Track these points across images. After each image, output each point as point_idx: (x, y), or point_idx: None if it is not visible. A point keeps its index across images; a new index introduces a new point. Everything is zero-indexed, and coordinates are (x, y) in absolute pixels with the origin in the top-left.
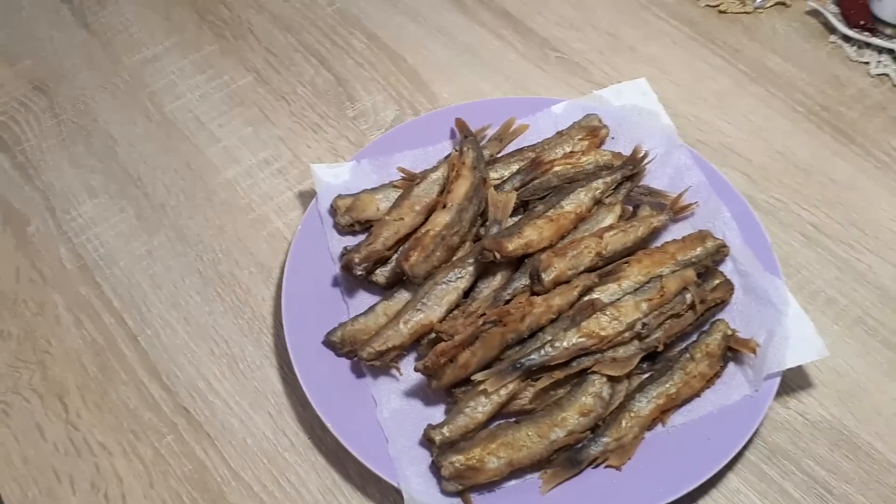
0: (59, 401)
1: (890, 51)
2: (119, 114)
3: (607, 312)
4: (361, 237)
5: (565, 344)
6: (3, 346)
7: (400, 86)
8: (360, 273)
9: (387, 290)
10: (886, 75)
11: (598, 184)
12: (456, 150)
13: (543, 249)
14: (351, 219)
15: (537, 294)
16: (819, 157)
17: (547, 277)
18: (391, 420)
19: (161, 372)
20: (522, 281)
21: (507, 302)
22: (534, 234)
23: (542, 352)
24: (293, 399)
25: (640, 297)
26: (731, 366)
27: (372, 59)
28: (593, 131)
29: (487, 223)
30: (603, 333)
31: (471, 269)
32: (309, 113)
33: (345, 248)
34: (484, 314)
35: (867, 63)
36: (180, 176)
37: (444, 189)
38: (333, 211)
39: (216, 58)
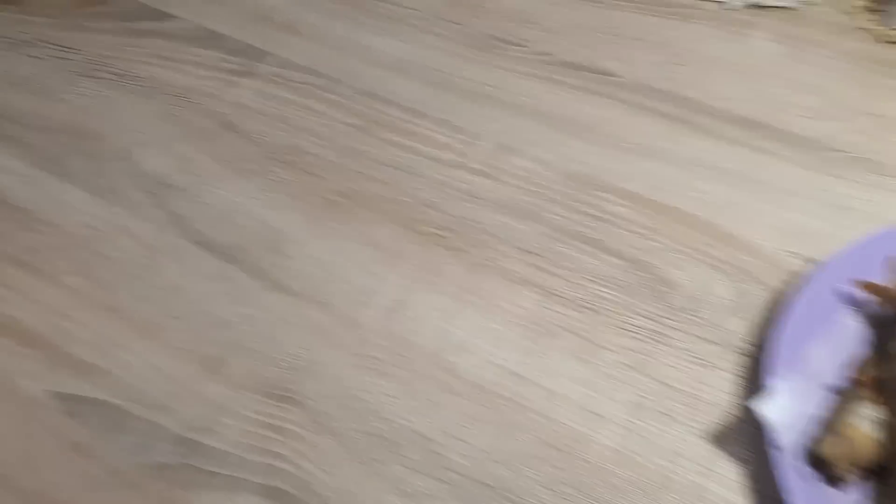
0: None
1: None
2: (408, 399)
3: None
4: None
5: None
6: None
7: (701, 244)
8: None
9: None
10: None
11: None
12: None
13: None
14: (854, 468)
15: None
16: None
17: None
18: None
19: None
20: None
21: None
22: None
23: None
24: None
25: None
26: None
27: (644, 222)
28: None
29: None
30: None
31: None
32: (633, 318)
33: None
34: None
35: None
36: (547, 463)
37: None
38: (818, 462)
39: (468, 279)
